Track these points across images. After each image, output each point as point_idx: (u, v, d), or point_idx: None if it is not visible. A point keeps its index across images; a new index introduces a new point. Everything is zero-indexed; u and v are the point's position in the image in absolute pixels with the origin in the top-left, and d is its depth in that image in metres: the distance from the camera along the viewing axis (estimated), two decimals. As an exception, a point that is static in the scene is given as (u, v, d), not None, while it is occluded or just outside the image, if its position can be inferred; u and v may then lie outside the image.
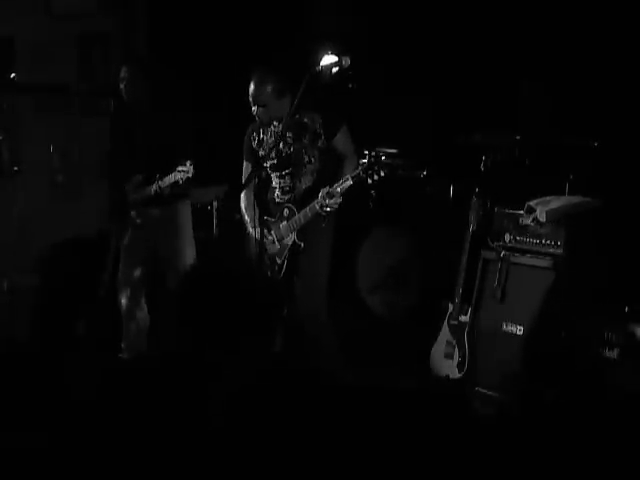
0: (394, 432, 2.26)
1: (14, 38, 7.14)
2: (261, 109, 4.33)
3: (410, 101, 6.14)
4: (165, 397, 2.30)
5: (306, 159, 4.39)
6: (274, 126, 4.43)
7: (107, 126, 5.36)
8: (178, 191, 4.81)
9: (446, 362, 4.70)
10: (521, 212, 4.59)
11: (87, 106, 7.25)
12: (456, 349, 4.66)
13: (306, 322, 4.39)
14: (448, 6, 5.96)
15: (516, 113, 5.37)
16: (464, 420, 2.41)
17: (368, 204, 6.26)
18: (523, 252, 4.57)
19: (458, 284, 4.71)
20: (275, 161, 4.45)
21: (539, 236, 4.51)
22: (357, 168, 4.21)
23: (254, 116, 4.41)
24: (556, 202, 4.54)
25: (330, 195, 4.21)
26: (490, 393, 4.52)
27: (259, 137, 4.53)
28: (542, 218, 4.47)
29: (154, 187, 4.74)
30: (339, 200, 4.23)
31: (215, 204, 6.37)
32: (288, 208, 4.42)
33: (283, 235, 4.43)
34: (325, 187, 4.23)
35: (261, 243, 4.32)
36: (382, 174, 4.12)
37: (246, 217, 4.54)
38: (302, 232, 4.38)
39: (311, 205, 4.30)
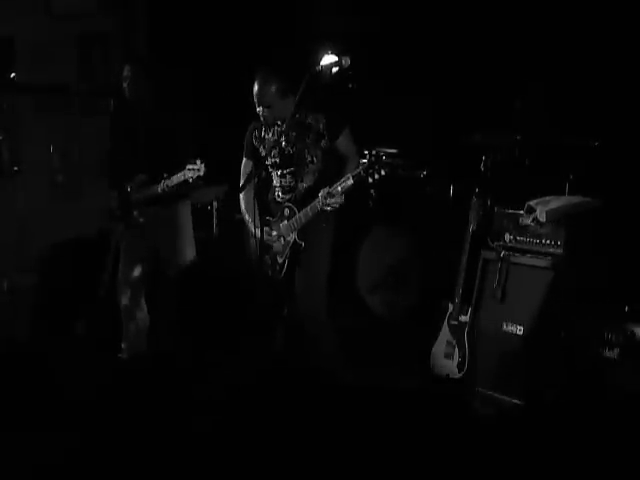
0: (394, 432, 2.26)
1: (14, 38, 7.14)
2: (266, 109, 4.33)
3: (410, 101, 6.14)
4: (165, 397, 2.30)
5: (309, 159, 4.40)
6: (277, 125, 4.43)
7: (107, 126, 5.36)
8: (181, 190, 4.81)
9: (446, 362, 4.70)
10: (521, 212, 4.59)
11: (87, 106, 7.25)
12: (456, 349, 4.66)
13: (306, 321, 4.39)
14: (448, 6, 5.96)
15: (516, 113, 5.37)
16: (464, 420, 2.41)
17: (368, 203, 6.26)
18: (523, 252, 4.57)
19: (458, 284, 4.71)
20: (277, 159, 4.45)
21: (539, 236, 4.51)
22: (358, 167, 4.22)
23: (258, 115, 4.41)
24: (556, 202, 4.54)
25: (331, 195, 4.21)
26: (490, 393, 4.52)
27: (260, 135, 4.53)
28: (542, 218, 4.47)
29: (161, 186, 4.74)
30: (340, 199, 4.24)
31: (215, 204, 6.38)
32: (289, 208, 4.43)
33: (284, 234, 4.43)
34: (326, 187, 4.24)
35: (262, 243, 4.32)
36: (383, 173, 4.13)
37: (246, 217, 4.54)
38: (303, 231, 4.38)
39: (312, 204, 4.30)
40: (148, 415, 2.26)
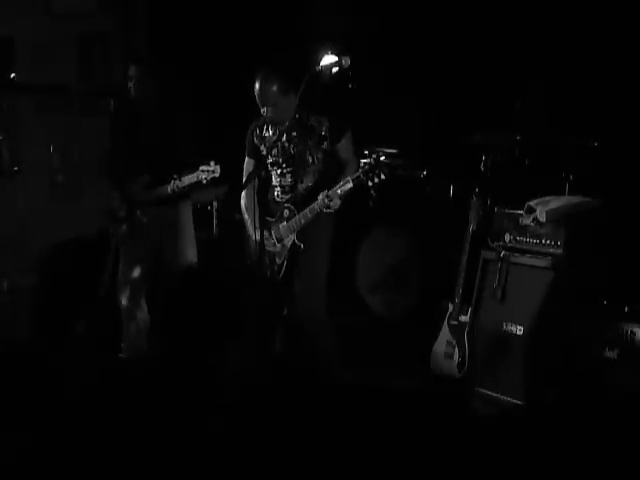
0: (394, 432, 2.26)
1: (14, 38, 7.13)
2: (270, 109, 4.33)
3: (410, 101, 6.14)
4: (165, 397, 2.30)
5: (310, 160, 4.40)
6: (280, 124, 4.43)
7: (107, 126, 5.35)
8: (186, 191, 4.81)
9: (446, 362, 4.70)
10: (521, 212, 4.59)
11: (87, 106, 7.25)
12: (456, 349, 4.66)
13: (305, 322, 4.40)
14: (448, 6, 5.96)
15: (516, 113, 5.37)
16: (464, 420, 2.41)
17: (368, 204, 6.26)
18: (523, 252, 4.57)
19: (458, 284, 4.71)
20: (277, 158, 4.45)
21: (539, 236, 4.51)
22: (357, 171, 4.21)
23: (259, 114, 4.41)
24: (556, 202, 4.54)
25: (330, 197, 4.22)
26: (490, 393, 4.52)
27: (262, 134, 4.53)
28: (542, 218, 4.47)
29: (171, 186, 4.73)
30: (339, 202, 4.24)
31: (215, 204, 6.37)
32: (288, 209, 4.43)
33: (283, 236, 4.43)
34: (325, 189, 4.24)
35: (261, 244, 4.32)
36: (382, 177, 4.13)
37: (246, 216, 4.54)
38: (302, 233, 4.38)
39: (311, 207, 4.31)
40: (148, 415, 2.26)
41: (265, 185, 4.52)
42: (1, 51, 7.11)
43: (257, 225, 4.37)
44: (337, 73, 4.36)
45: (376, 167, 4.13)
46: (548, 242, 4.47)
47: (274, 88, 4.29)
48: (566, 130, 5.07)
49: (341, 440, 2.19)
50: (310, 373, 2.50)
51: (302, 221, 4.36)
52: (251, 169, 4.54)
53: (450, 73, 5.90)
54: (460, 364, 4.63)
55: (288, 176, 4.46)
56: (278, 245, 4.45)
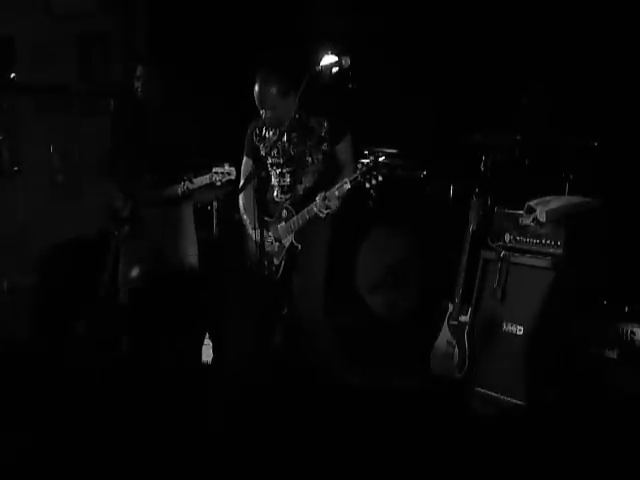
0: (394, 432, 2.26)
1: (14, 38, 7.13)
2: (269, 111, 4.33)
3: (410, 101, 6.14)
4: (165, 397, 2.30)
5: (309, 160, 4.40)
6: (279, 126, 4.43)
7: (107, 126, 5.36)
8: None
9: (446, 362, 4.70)
10: (521, 212, 4.59)
11: (87, 106, 7.24)
12: (456, 349, 4.66)
13: (304, 322, 4.40)
14: (448, 6, 5.96)
15: (521, 110, 5.37)
16: (464, 420, 2.41)
17: (368, 204, 6.26)
18: (523, 252, 4.57)
19: (458, 284, 4.71)
20: (277, 159, 4.45)
21: (539, 236, 4.51)
22: (355, 172, 4.21)
23: (258, 114, 4.41)
24: (556, 202, 4.54)
25: (328, 198, 4.22)
26: (490, 393, 4.52)
27: (261, 133, 4.53)
28: (542, 218, 4.47)
29: (182, 187, 4.73)
30: (337, 203, 4.24)
31: (215, 204, 6.37)
32: (287, 209, 4.43)
33: (281, 236, 4.44)
34: (323, 190, 4.25)
35: (262, 244, 4.32)
36: (380, 179, 4.13)
37: (244, 217, 4.54)
38: (299, 234, 4.39)
39: (309, 208, 4.31)
40: (148, 415, 2.26)
41: (264, 185, 4.52)
42: (1, 51, 7.11)
43: (256, 225, 4.37)
44: (337, 73, 4.36)
45: (374, 169, 4.13)
46: (548, 242, 4.47)
47: (273, 91, 4.29)
48: (566, 130, 5.07)
49: (340, 440, 2.19)
50: (309, 373, 2.50)
51: (300, 222, 4.36)
52: (249, 169, 4.54)
53: (450, 73, 5.90)
54: (460, 364, 4.63)
55: (287, 176, 4.46)
56: (276, 245, 4.45)
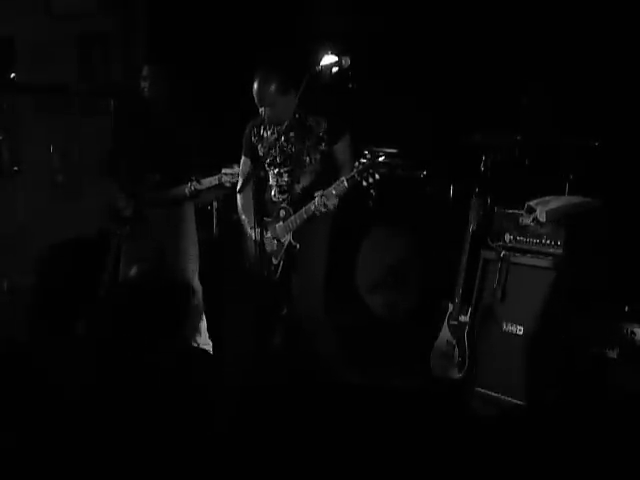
0: (394, 432, 2.26)
1: (14, 38, 7.14)
2: (268, 109, 4.33)
3: (410, 101, 6.14)
4: (165, 397, 2.30)
5: (307, 160, 4.39)
6: (278, 124, 4.43)
7: (107, 126, 5.36)
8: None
9: (446, 362, 4.70)
10: (521, 212, 4.59)
11: (87, 106, 7.24)
12: (456, 349, 4.66)
13: (303, 321, 4.40)
14: (448, 6, 5.96)
15: (516, 113, 5.37)
16: (464, 420, 2.41)
17: (368, 203, 6.26)
18: (523, 252, 4.57)
19: (458, 284, 4.71)
20: (275, 158, 4.45)
21: (539, 236, 4.51)
22: (352, 171, 4.21)
23: (257, 114, 4.41)
24: (556, 202, 4.54)
25: (326, 197, 4.22)
26: (490, 393, 4.52)
27: (259, 133, 4.53)
28: (542, 218, 4.47)
29: (189, 188, 4.73)
30: (335, 202, 4.24)
31: (215, 204, 6.37)
32: (284, 209, 4.43)
33: (279, 236, 4.44)
34: (321, 189, 4.25)
35: (261, 244, 4.32)
36: (377, 177, 4.13)
37: (243, 217, 4.54)
38: (298, 233, 4.39)
39: (306, 207, 4.31)
40: (148, 415, 2.26)
41: (262, 185, 4.51)
42: (1, 51, 7.12)
43: (255, 225, 4.37)
44: (337, 73, 4.36)
45: (371, 167, 4.12)
46: (548, 242, 4.47)
47: (272, 88, 4.29)
48: (566, 130, 5.07)
49: (340, 440, 2.19)
50: (309, 372, 2.50)
51: (298, 221, 4.36)
52: (247, 168, 4.54)
53: (450, 73, 5.90)
54: (460, 364, 4.63)
55: (285, 176, 4.45)
56: (275, 244, 4.45)
